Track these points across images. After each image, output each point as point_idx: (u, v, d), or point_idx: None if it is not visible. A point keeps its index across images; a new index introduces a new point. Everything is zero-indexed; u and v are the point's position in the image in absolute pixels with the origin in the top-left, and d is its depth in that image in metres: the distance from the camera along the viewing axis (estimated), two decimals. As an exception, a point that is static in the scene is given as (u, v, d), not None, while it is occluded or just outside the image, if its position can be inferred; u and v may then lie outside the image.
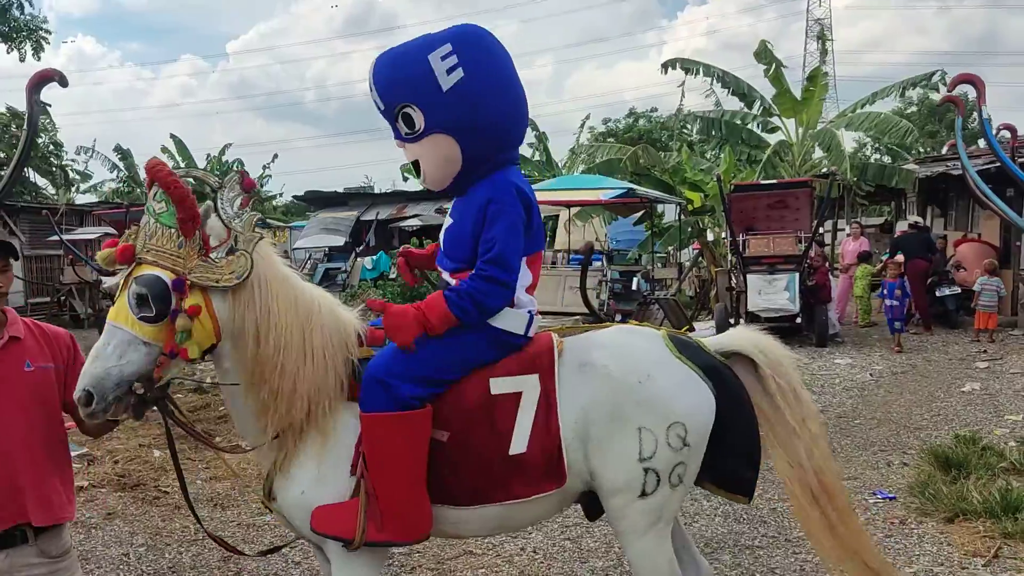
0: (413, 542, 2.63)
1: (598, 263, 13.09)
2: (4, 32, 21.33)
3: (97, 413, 2.32)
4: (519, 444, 2.52)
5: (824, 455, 2.78)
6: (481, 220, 2.51)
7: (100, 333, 10.47)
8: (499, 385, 2.55)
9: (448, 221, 2.69)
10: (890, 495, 5.44)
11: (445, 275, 2.69)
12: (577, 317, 7.06)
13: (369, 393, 2.51)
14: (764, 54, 16.39)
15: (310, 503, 2.53)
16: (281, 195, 38.53)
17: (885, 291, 12.04)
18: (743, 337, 2.88)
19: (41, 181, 29.56)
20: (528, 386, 2.55)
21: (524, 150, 30.52)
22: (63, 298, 19.41)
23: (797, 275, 11.82)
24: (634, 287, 7.28)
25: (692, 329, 8.86)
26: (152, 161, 2.42)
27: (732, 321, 12.34)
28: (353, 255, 18.39)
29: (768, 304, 11.78)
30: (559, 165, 29.25)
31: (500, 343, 2.58)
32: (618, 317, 7.44)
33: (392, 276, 18.07)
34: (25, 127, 3.51)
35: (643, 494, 2.57)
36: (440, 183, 2.64)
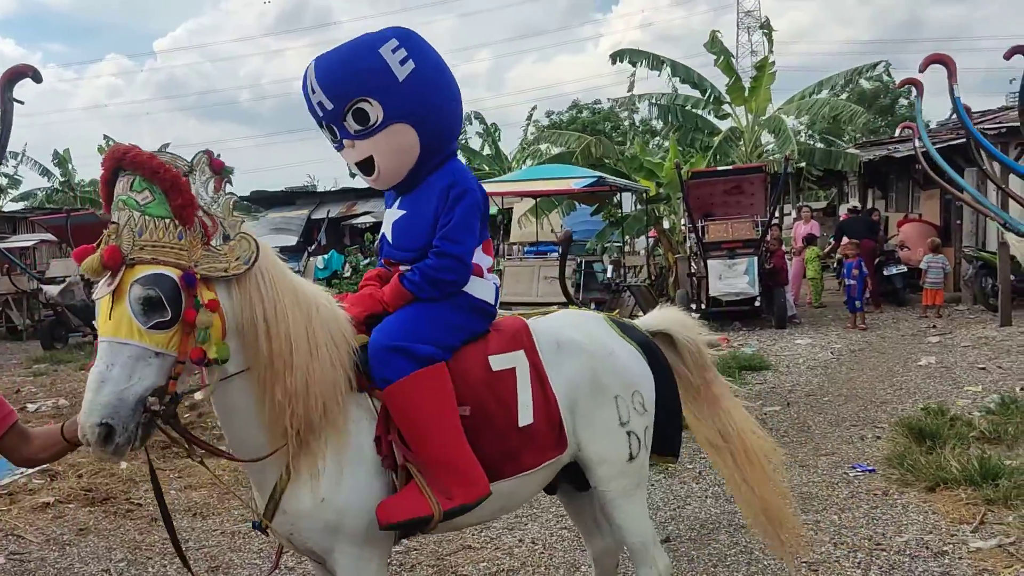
0: (481, 499, 2.51)
1: (554, 254, 13.10)
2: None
3: (122, 447, 2.02)
4: (526, 416, 2.63)
5: (729, 413, 3.20)
6: (443, 204, 2.58)
7: (42, 344, 10.24)
8: (497, 362, 2.64)
9: (396, 214, 2.72)
10: (869, 468, 5.56)
11: (401, 268, 2.71)
12: (554, 307, 7.01)
13: (387, 363, 2.44)
14: (713, 43, 16.59)
15: (330, 510, 2.38)
16: (223, 196, 37.68)
17: (845, 272, 12.34)
18: (666, 317, 3.24)
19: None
20: (518, 361, 2.67)
21: (474, 143, 30.55)
22: (-1, 309, 18.66)
23: (756, 259, 12.05)
24: (609, 275, 7.28)
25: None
26: (123, 146, 2.12)
27: (693, 307, 12.51)
28: (306, 255, 18.13)
29: (729, 288, 11.98)
30: (508, 158, 29.28)
31: (477, 310, 2.68)
32: (592, 306, 7.45)
33: (346, 275, 17.87)
34: (-1, 127, 3.30)
35: (631, 458, 2.84)
36: (396, 176, 2.65)
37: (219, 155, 2.25)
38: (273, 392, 2.26)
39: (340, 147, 2.65)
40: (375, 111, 2.50)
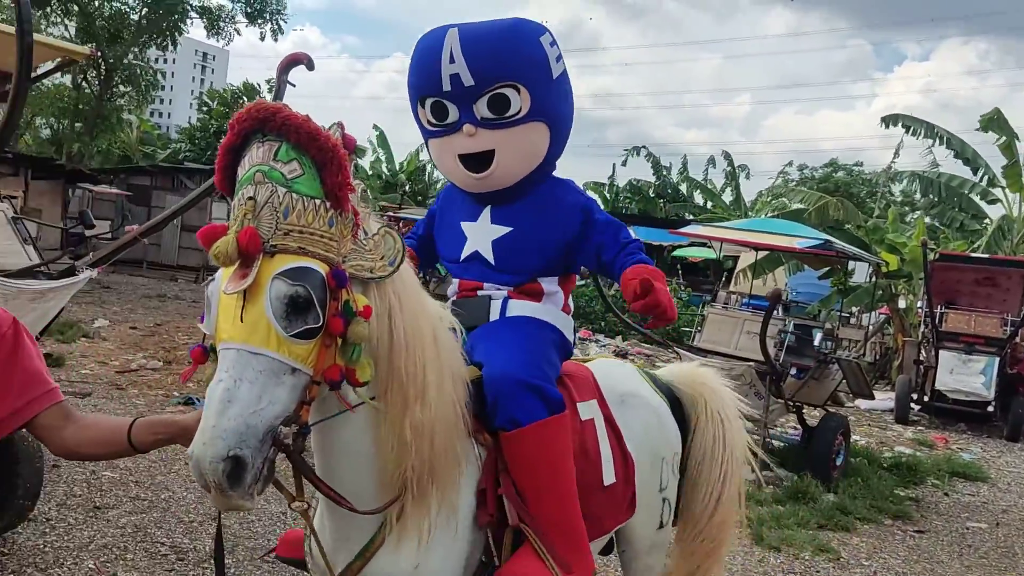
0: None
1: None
2: (250, 13, 23.44)
3: (250, 489, 1.54)
4: (609, 473, 2.35)
5: (727, 501, 2.76)
6: (578, 225, 2.33)
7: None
8: (583, 410, 2.35)
9: (495, 230, 2.36)
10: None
11: (493, 292, 2.37)
12: (750, 363, 6.79)
13: (519, 402, 2.08)
14: (995, 122, 15.18)
15: None
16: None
17: None
18: (686, 371, 2.90)
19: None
20: (595, 412, 2.40)
21: (716, 181, 30.01)
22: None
23: (997, 360, 10.89)
24: (816, 342, 6.92)
25: (872, 397, 8.32)
26: (270, 104, 1.66)
27: (915, 397, 11.53)
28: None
29: (958, 385, 10.91)
30: (746, 204, 28.53)
31: (567, 351, 2.42)
32: (792, 371, 7.11)
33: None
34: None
35: (660, 525, 2.58)
36: (509, 179, 2.32)
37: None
38: (402, 427, 1.80)
39: (449, 130, 2.30)
40: (521, 101, 2.21)
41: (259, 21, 23.63)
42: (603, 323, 15.88)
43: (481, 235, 2.38)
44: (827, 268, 14.55)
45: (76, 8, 22.44)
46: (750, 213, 26.66)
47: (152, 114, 60.60)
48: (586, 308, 16.66)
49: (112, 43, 22.59)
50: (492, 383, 2.11)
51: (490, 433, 2.11)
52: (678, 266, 24.26)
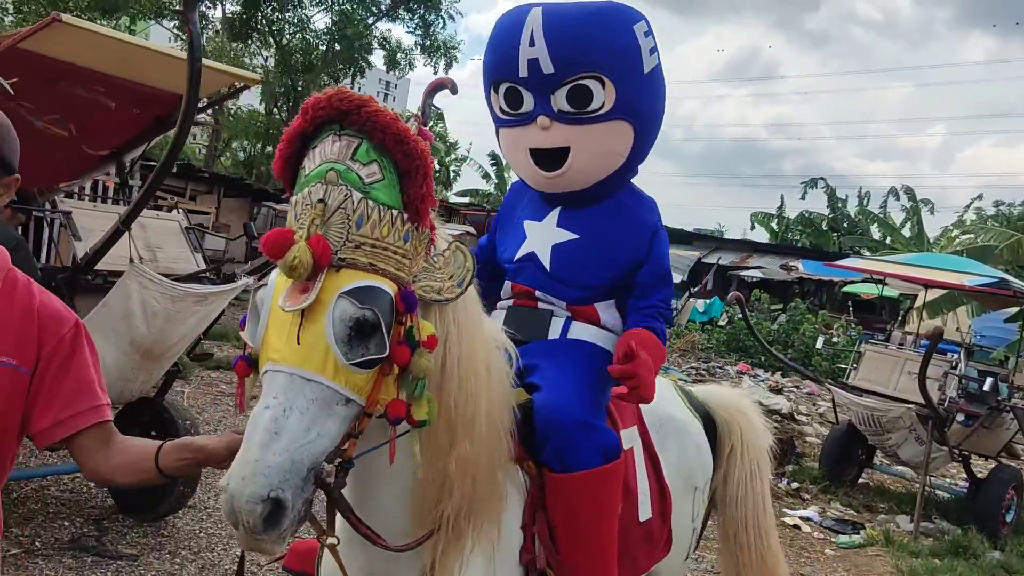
0: None
1: (954, 355, 11.64)
2: (426, 47, 24.59)
3: (286, 534, 1.39)
4: (645, 508, 2.17)
5: (760, 518, 2.68)
6: (645, 248, 2.11)
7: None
8: (624, 438, 2.11)
9: (559, 234, 2.13)
10: None
11: (553, 306, 2.16)
12: (910, 406, 6.34)
13: (575, 444, 1.89)
14: None
15: None
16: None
17: None
18: (726, 396, 2.78)
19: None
20: (635, 440, 2.20)
21: (895, 217, 28.28)
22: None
23: None
24: (986, 388, 6.32)
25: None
26: (353, 95, 1.45)
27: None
28: (687, 295, 18.42)
29: None
30: (929, 241, 26.71)
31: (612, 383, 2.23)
32: (960, 417, 6.56)
33: (721, 323, 17.78)
34: (416, 127, 3.91)
35: (687, 557, 2.46)
36: (582, 182, 2.09)
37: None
38: (447, 462, 1.62)
39: (522, 121, 2.09)
40: (604, 96, 1.99)
41: (433, 56, 24.71)
42: (762, 357, 15.30)
43: (542, 237, 2.17)
44: (1017, 310, 13.37)
45: (273, 42, 24.37)
46: (932, 249, 24.94)
47: (337, 140, 64.70)
48: (745, 341, 16.12)
49: (306, 73, 24.33)
50: (545, 413, 1.92)
51: (535, 463, 1.94)
52: (849, 303, 23.01)
